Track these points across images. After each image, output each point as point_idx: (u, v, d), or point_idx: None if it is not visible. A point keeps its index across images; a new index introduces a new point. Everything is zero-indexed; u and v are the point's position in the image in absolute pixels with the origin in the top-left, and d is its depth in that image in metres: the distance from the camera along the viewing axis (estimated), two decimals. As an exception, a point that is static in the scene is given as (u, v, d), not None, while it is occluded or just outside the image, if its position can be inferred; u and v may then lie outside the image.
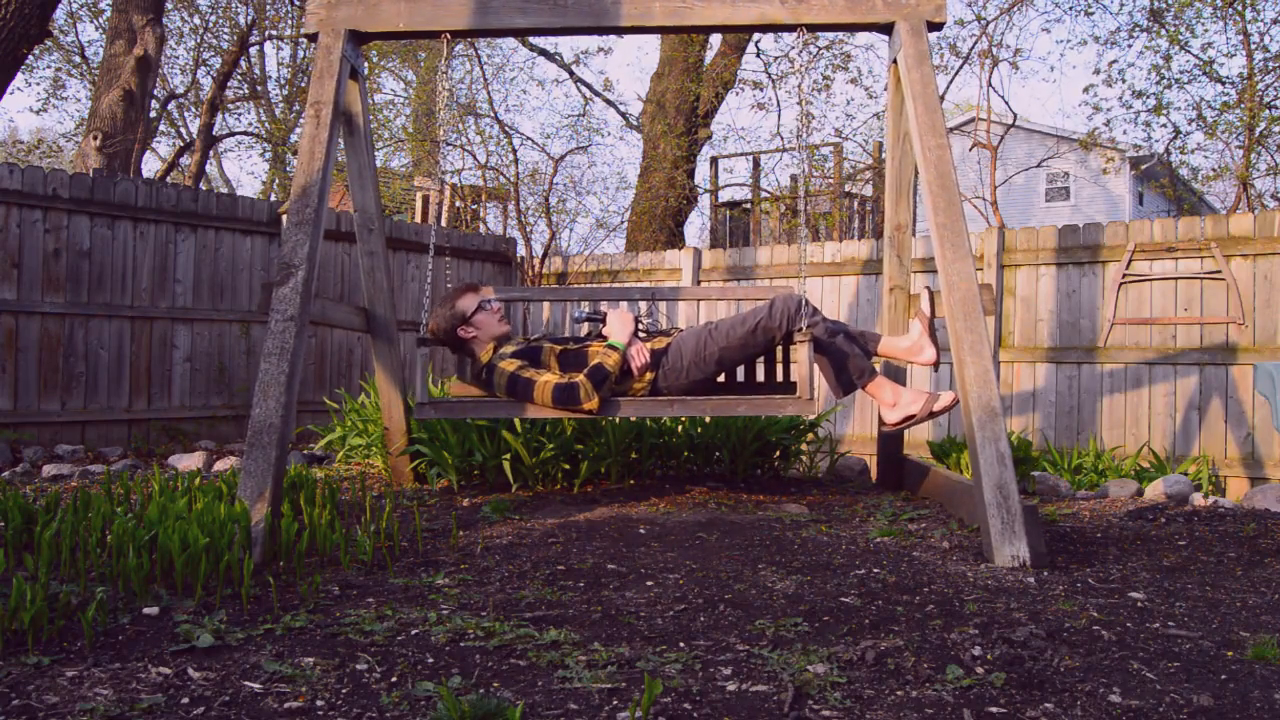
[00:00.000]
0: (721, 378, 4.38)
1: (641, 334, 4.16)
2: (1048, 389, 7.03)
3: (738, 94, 13.75)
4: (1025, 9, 12.66)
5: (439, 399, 4.07)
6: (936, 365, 4.29)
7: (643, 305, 4.78)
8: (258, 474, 3.45)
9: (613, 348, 3.93)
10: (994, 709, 2.06)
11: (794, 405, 3.81)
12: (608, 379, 3.84)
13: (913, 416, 4.00)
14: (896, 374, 4.63)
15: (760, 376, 4.53)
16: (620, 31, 4.24)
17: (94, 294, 6.75)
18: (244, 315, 7.53)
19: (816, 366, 3.93)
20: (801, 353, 3.73)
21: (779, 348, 4.28)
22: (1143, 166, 15.52)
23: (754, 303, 4.93)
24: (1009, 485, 3.40)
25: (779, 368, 4.46)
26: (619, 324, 4.02)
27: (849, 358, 4.01)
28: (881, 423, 4.13)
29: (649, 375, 4.04)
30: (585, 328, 4.36)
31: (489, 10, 4.12)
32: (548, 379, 3.84)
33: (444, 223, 12.92)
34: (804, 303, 3.95)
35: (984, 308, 3.70)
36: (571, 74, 14.90)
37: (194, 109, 17.42)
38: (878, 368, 4.18)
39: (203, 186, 16.86)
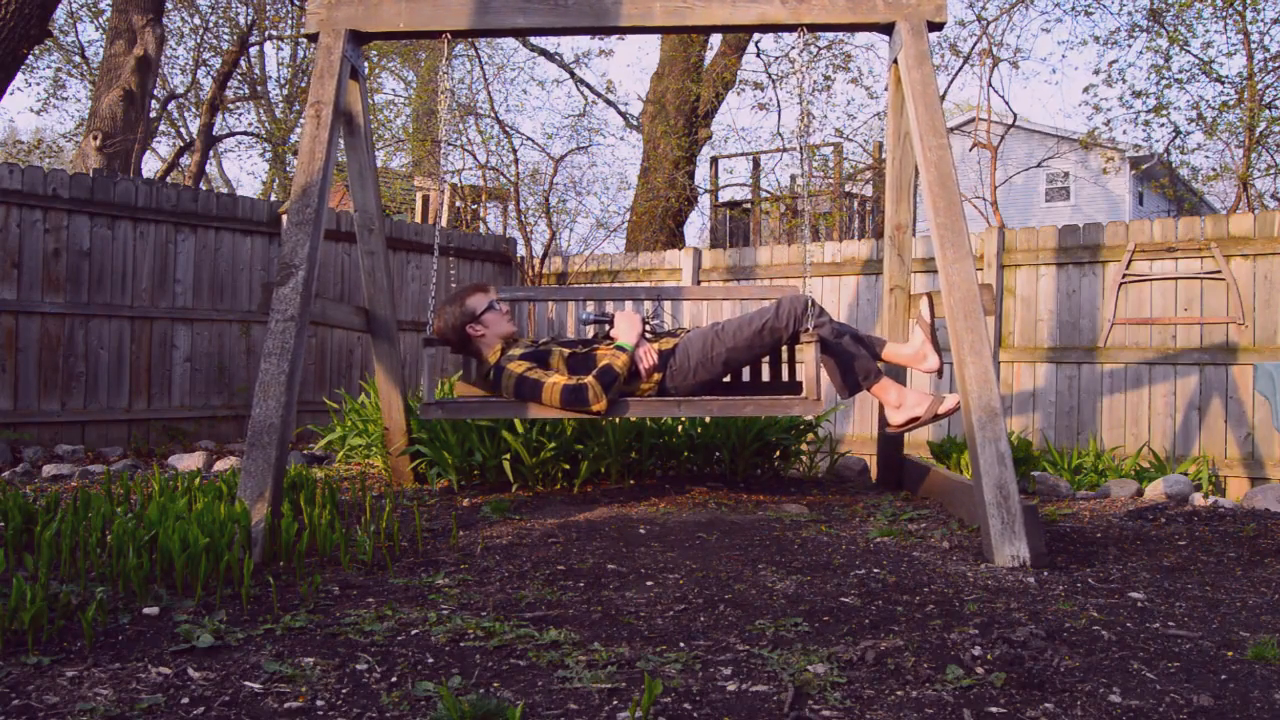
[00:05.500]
0: (728, 378, 4.38)
1: (648, 335, 4.16)
2: (1048, 389, 7.03)
3: (738, 94, 13.74)
4: (1026, 9, 12.66)
5: (445, 400, 4.07)
6: (940, 372, 4.29)
7: (648, 305, 4.78)
8: (258, 474, 3.45)
9: (620, 349, 3.93)
10: (994, 709, 2.06)
11: (800, 405, 3.82)
12: (616, 380, 3.84)
13: (917, 419, 4.01)
14: (897, 376, 4.63)
15: (765, 376, 4.53)
16: (620, 32, 4.24)
17: (94, 294, 6.75)
18: (244, 315, 7.53)
19: (822, 367, 3.93)
20: (807, 353, 3.74)
21: (784, 348, 4.28)
22: (1143, 166, 15.51)
23: (756, 303, 4.94)
24: (1009, 485, 3.40)
25: (784, 368, 4.46)
26: (626, 325, 4.02)
27: (855, 359, 4.01)
28: (886, 424, 4.13)
29: (656, 376, 4.04)
30: (591, 329, 4.36)
31: (489, 10, 4.12)
32: (556, 380, 3.84)
33: (444, 223, 12.93)
34: (811, 303, 3.95)
35: (984, 308, 3.70)
36: (572, 74, 14.89)
37: (194, 109, 17.42)
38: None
39: (203, 186, 16.86)
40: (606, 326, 4.21)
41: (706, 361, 4.02)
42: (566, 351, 4.06)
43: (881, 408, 4.26)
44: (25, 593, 2.41)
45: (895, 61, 4.14)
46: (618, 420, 4.79)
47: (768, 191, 13.59)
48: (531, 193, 11.79)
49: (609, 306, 4.76)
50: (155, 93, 14.32)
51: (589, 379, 3.81)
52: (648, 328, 4.20)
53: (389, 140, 16.28)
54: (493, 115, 12.10)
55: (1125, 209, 21.44)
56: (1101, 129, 12.53)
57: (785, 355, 4.42)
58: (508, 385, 3.94)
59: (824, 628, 2.59)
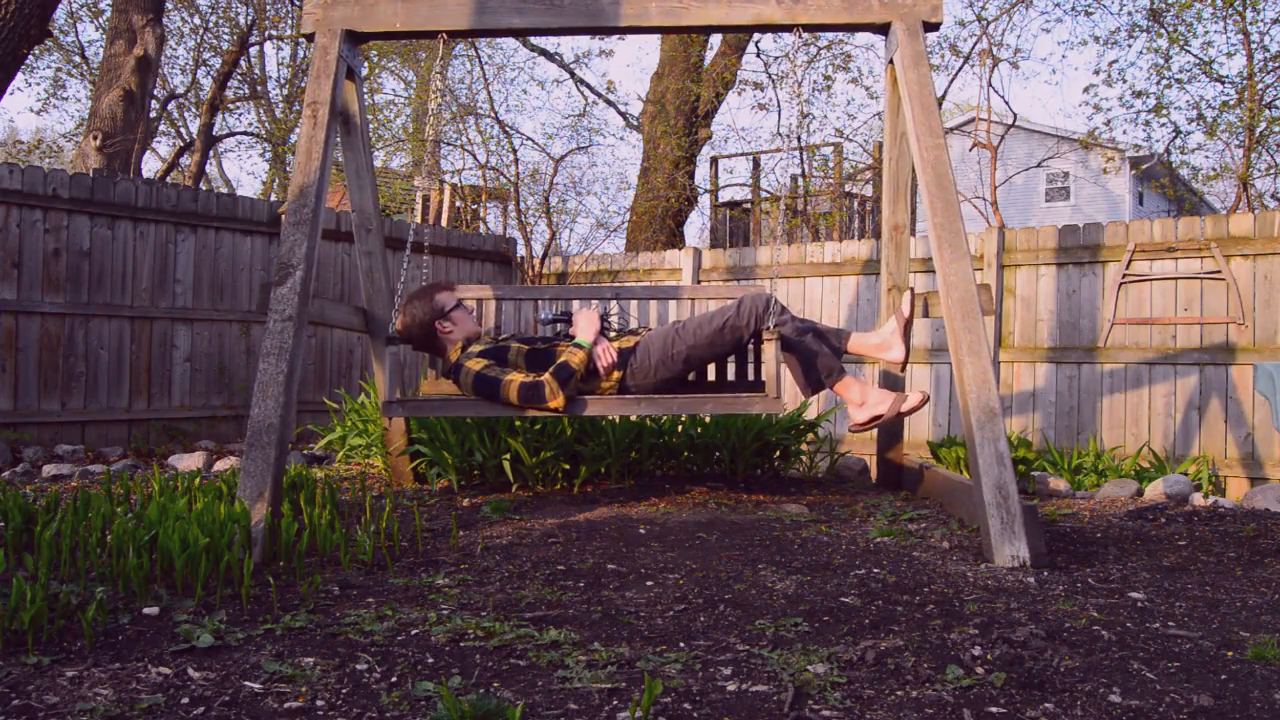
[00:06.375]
0: (692, 376, 4.38)
1: (609, 333, 4.17)
2: (1048, 389, 7.03)
3: (738, 94, 13.73)
4: (1025, 9, 12.67)
5: (406, 398, 4.07)
6: (903, 365, 4.29)
7: (612, 304, 4.78)
8: (257, 474, 3.45)
9: (578, 346, 3.94)
10: (994, 709, 2.06)
11: (761, 403, 3.82)
12: (573, 377, 3.84)
13: (880, 416, 4.03)
14: (894, 381, 4.63)
15: (731, 375, 4.53)
16: (617, 32, 4.24)
17: (94, 294, 6.75)
18: (244, 315, 7.53)
19: (784, 365, 3.94)
20: (768, 351, 3.74)
21: (749, 346, 4.29)
22: (1143, 166, 15.52)
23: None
24: (1008, 485, 3.40)
25: (750, 367, 4.46)
26: (585, 323, 4.03)
27: (817, 356, 4.02)
28: (850, 422, 4.14)
29: (616, 374, 4.04)
30: (554, 328, 4.37)
31: (486, 10, 4.12)
32: (513, 378, 3.85)
33: (444, 223, 12.93)
34: (772, 301, 3.95)
35: (983, 308, 3.70)
36: (572, 74, 14.89)
37: (194, 109, 17.42)
38: (866, 371, 4.19)
39: (203, 186, 16.86)
40: (567, 325, 4.22)
41: (667, 359, 4.02)
42: (525, 348, 4.07)
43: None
44: (25, 593, 2.41)
45: (891, 62, 4.14)
46: (617, 420, 4.79)
47: (768, 191, 13.59)
48: (531, 193, 11.80)
49: (573, 305, 4.76)
50: (155, 93, 14.32)
51: (545, 376, 3.81)
52: (608, 325, 4.21)
53: (389, 140, 16.28)
54: (493, 115, 12.10)
55: (1125, 209, 21.44)
56: (1101, 129, 12.54)
57: (752, 354, 4.43)
58: (466, 383, 3.95)
59: (824, 628, 2.59)
